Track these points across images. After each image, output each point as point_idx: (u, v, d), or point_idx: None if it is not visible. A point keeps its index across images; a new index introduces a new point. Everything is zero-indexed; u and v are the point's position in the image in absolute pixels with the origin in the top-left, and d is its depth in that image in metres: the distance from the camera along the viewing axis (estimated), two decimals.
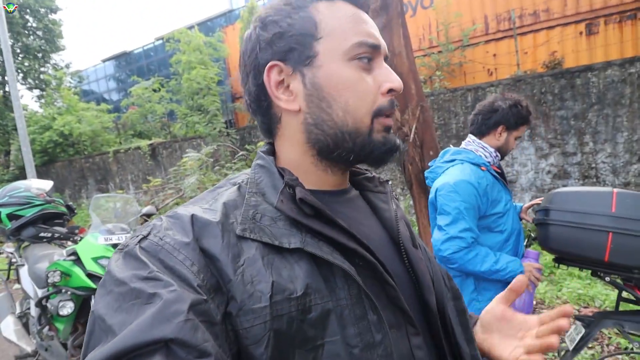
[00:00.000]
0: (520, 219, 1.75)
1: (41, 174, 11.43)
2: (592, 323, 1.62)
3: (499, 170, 1.66)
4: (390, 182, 0.66)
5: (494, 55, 6.73)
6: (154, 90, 11.43)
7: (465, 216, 1.46)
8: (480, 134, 1.65)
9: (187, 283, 0.41)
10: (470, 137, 1.69)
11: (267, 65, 0.52)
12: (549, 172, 4.81)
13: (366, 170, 0.67)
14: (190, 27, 10.22)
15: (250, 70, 0.55)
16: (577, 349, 1.61)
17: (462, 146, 1.70)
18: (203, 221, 0.47)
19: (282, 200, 0.49)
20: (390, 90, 0.53)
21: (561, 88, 4.67)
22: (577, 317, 1.71)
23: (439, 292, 0.59)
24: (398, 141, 0.56)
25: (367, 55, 0.52)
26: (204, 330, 0.38)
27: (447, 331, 0.57)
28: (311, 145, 0.54)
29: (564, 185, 4.72)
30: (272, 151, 0.59)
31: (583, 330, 1.61)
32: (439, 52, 6.89)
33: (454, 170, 1.57)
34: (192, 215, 0.48)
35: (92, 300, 2.25)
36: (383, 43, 0.54)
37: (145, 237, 0.46)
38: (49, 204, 2.72)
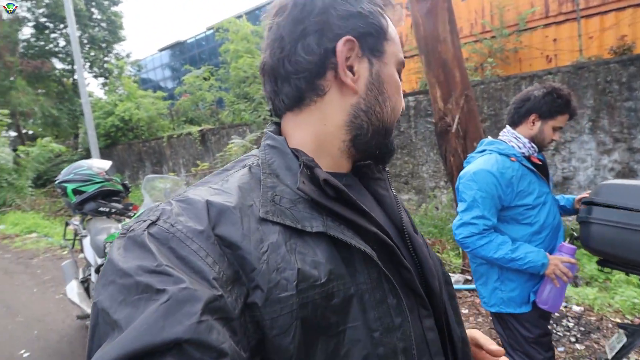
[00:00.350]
0: (576, 211, 1.66)
1: (104, 156, 12.42)
2: (635, 332, 1.52)
3: (539, 161, 1.58)
4: (387, 170, 0.67)
5: (554, 40, 6.23)
6: (205, 79, 11.93)
7: (479, 204, 1.47)
8: (514, 123, 1.61)
9: (201, 276, 0.38)
10: (506, 128, 1.64)
11: (346, 37, 0.51)
12: (611, 169, 4.43)
13: None
14: (239, 16, 10.48)
15: (315, 31, 0.51)
16: (617, 358, 1.52)
17: (499, 137, 1.65)
18: (219, 207, 0.44)
19: (303, 182, 0.47)
20: None
21: (630, 76, 4.25)
22: (621, 325, 1.60)
23: (439, 277, 0.60)
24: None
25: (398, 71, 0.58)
26: (219, 329, 0.36)
27: (445, 315, 0.59)
28: (350, 129, 0.54)
29: None
30: (279, 132, 0.58)
31: (625, 339, 1.52)
32: (492, 37, 6.51)
33: (479, 160, 1.57)
34: (207, 201, 0.44)
35: None
36: None
37: (154, 223, 0.42)
38: (107, 181, 2.97)
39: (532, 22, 6.27)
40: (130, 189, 3.09)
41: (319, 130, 0.54)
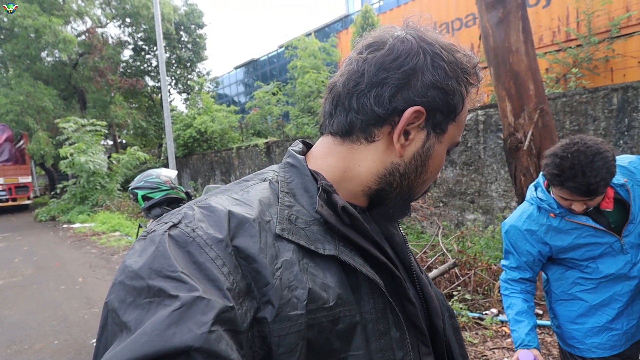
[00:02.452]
0: None
1: (181, 164, 13.59)
2: None
3: (609, 206, 1.31)
4: None
5: None
6: (273, 94, 12.50)
7: (507, 256, 1.51)
8: None
9: (215, 285, 0.38)
10: None
11: (418, 108, 0.50)
12: None
13: None
14: (308, 34, 10.86)
15: (394, 85, 0.50)
16: None
17: None
18: (239, 218, 0.44)
19: (321, 205, 0.48)
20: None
21: None
22: None
23: (444, 317, 0.61)
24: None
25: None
26: (227, 341, 0.36)
27: (449, 352, 0.60)
28: (381, 181, 0.54)
29: None
30: (304, 152, 0.59)
31: None
32: (578, 46, 5.89)
33: (517, 210, 1.50)
34: (229, 212, 0.45)
35: None
36: None
37: (175, 225, 0.43)
38: (172, 189, 3.19)
39: (627, 29, 5.56)
40: (192, 197, 3.29)
41: (352, 168, 0.54)
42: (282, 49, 15.12)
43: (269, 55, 17.61)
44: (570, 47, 5.93)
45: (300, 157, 0.55)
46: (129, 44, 18.59)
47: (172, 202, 3.17)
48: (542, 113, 3.11)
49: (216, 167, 12.28)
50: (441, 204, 6.02)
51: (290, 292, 0.42)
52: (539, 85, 3.14)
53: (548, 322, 2.97)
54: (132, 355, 0.32)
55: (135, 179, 3.23)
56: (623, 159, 1.37)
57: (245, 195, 0.49)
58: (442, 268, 3.59)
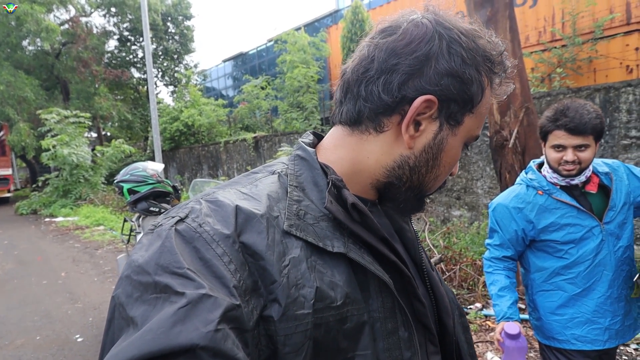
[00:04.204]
0: None
1: (167, 158, 13.41)
2: None
3: (595, 189, 1.39)
4: None
5: (637, 49, 5.58)
6: (262, 88, 12.40)
7: (492, 234, 1.56)
8: None
9: (222, 283, 0.37)
10: None
11: (429, 97, 0.47)
12: None
13: None
14: (298, 29, 10.77)
15: (405, 72, 0.47)
16: None
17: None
18: (247, 213, 0.43)
19: (330, 201, 0.46)
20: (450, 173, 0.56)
21: None
22: None
23: (454, 316, 0.60)
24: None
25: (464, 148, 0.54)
26: (234, 339, 0.35)
27: (458, 351, 0.59)
28: (390, 175, 0.52)
29: None
30: (314, 143, 0.57)
31: None
32: (563, 46, 6.00)
33: (506, 191, 1.56)
34: (237, 206, 0.44)
35: None
36: None
37: (182, 220, 0.42)
38: (159, 183, 3.15)
39: (611, 30, 5.68)
40: (180, 191, 3.25)
41: (361, 160, 0.52)
42: (272, 42, 14.98)
43: (258, 49, 17.43)
44: (555, 47, 6.04)
45: (310, 149, 0.53)
46: (114, 34, 18.15)
47: (159, 196, 3.12)
48: (527, 111, 3.17)
49: (203, 161, 12.15)
50: (428, 201, 6.10)
51: (297, 290, 0.41)
52: (524, 84, 3.20)
53: (526, 316, 3.06)
54: (138, 352, 0.31)
55: (121, 172, 3.16)
56: (607, 160, 1.49)
57: (254, 189, 0.48)
58: None
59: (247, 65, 19.58)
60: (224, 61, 20.08)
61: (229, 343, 0.34)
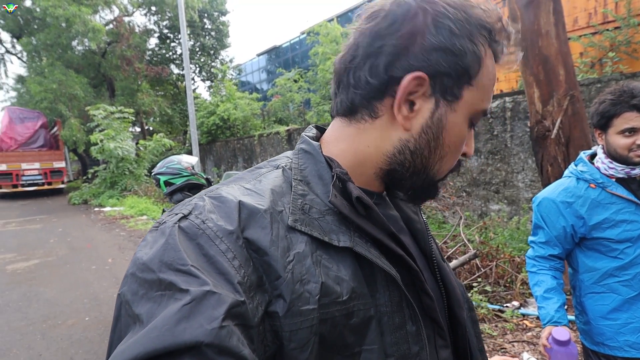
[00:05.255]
0: None
1: (204, 151, 13.86)
2: None
3: None
4: None
5: None
6: (295, 81, 12.47)
7: (537, 231, 1.47)
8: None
9: (226, 279, 0.37)
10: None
11: (417, 73, 0.45)
12: None
13: None
14: (330, 20, 10.68)
15: (390, 53, 0.46)
16: None
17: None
18: (250, 208, 0.43)
19: (335, 195, 0.46)
20: (464, 154, 0.53)
21: None
22: None
23: (464, 308, 0.59)
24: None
25: (473, 124, 0.52)
26: (239, 336, 0.35)
27: (467, 344, 0.58)
28: (391, 161, 0.50)
29: None
30: (318, 137, 0.56)
31: None
32: (616, 28, 5.52)
33: (553, 184, 1.46)
34: (240, 202, 0.43)
35: None
36: None
37: (185, 217, 0.42)
38: (193, 175, 3.26)
39: None
40: (212, 183, 3.35)
41: (362, 150, 0.51)
42: (304, 35, 14.99)
43: (291, 41, 17.50)
44: (607, 30, 5.57)
45: (315, 143, 0.52)
46: (155, 32, 18.91)
47: (193, 188, 3.24)
48: (572, 100, 2.96)
49: (239, 154, 12.45)
50: (464, 194, 5.89)
51: (302, 286, 0.41)
52: (569, 70, 2.99)
53: (572, 317, 2.89)
54: (144, 350, 0.32)
55: (158, 165, 3.31)
56: None
57: (257, 185, 0.48)
58: (462, 259, 3.53)
59: (280, 58, 19.73)
60: (258, 55, 20.36)
61: (234, 340, 0.34)
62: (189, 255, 0.38)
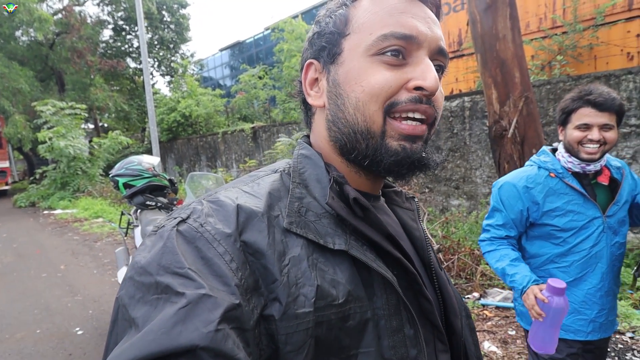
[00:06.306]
0: None
1: (165, 149, 13.33)
2: None
3: (607, 181, 1.38)
4: (416, 199, 0.65)
5: (638, 35, 5.50)
6: (259, 78, 12.28)
7: (497, 214, 1.50)
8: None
9: (223, 282, 0.38)
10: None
11: (305, 63, 0.54)
12: None
13: (394, 183, 0.65)
14: (295, 16, 10.61)
15: (303, 58, 0.56)
16: None
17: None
18: (248, 212, 0.44)
19: (332, 197, 0.46)
20: (418, 89, 0.47)
21: None
22: None
23: (461, 314, 0.59)
24: (425, 155, 0.48)
25: (394, 48, 0.47)
26: (234, 339, 0.35)
27: (465, 352, 0.58)
28: (333, 143, 0.52)
29: None
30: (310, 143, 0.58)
31: None
32: (564, 33, 5.91)
33: (515, 171, 1.53)
34: (238, 205, 0.44)
35: None
36: (428, 33, 0.48)
37: (184, 220, 0.42)
38: (155, 177, 3.11)
39: (612, 16, 5.59)
40: (176, 185, 3.22)
41: (322, 148, 0.54)
42: (269, 31, 14.78)
43: (255, 37, 17.20)
44: (556, 34, 5.95)
45: (315, 150, 0.54)
46: (109, 23, 17.88)
47: (155, 190, 3.10)
48: (527, 101, 3.13)
49: (202, 152, 12.09)
50: (427, 190, 6.09)
51: (298, 289, 0.41)
52: (524, 72, 3.15)
53: (510, 305, 3.08)
54: (139, 353, 0.32)
55: (116, 166, 3.13)
56: (613, 158, 1.50)
57: (256, 188, 0.49)
58: None
59: (244, 54, 19.37)
60: (221, 50, 19.84)
61: (229, 343, 0.34)
62: (186, 258, 0.38)
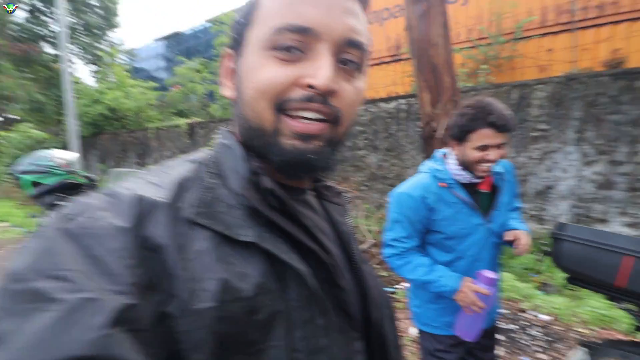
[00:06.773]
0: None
1: (87, 144, 12.17)
2: (597, 351, 1.48)
3: (489, 189, 1.44)
4: (346, 195, 0.65)
5: (549, 50, 6.17)
6: (197, 71, 11.73)
7: (398, 226, 1.46)
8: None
9: (114, 281, 0.34)
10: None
11: (223, 52, 0.54)
12: (592, 180, 4.37)
13: (324, 177, 0.64)
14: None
15: None
16: None
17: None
18: (149, 203, 0.40)
19: (247, 188, 0.45)
20: (311, 86, 0.44)
21: (619, 90, 4.18)
22: (583, 343, 1.56)
23: (381, 307, 0.60)
24: (315, 157, 0.46)
25: (287, 45, 0.44)
26: (128, 342, 0.32)
27: (382, 341, 0.59)
28: (242, 135, 0.51)
29: (607, 197, 4.27)
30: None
31: (588, 359, 1.47)
32: (488, 44, 6.43)
33: (410, 180, 1.49)
34: (137, 196, 0.40)
35: None
36: (330, 24, 0.44)
37: (72, 218, 0.38)
38: (69, 174, 2.78)
39: (529, 31, 6.21)
40: (95, 182, 2.91)
41: (242, 142, 0.52)
42: (209, 23, 14.23)
43: (195, 29, 16.42)
44: (482, 45, 6.46)
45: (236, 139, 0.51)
46: (22, 2, 15.86)
47: (69, 188, 2.77)
48: (455, 105, 3.32)
49: (131, 148, 11.23)
50: (364, 188, 6.26)
51: (200, 284, 0.38)
52: (453, 78, 3.35)
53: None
54: None
55: (21, 162, 2.75)
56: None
57: (164, 177, 0.45)
58: (361, 248, 3.74)
59: (182, 46, 18.48)
60: (156, 40, 18.66)
61: (123, 347, 0.31)
62: (69, 258, 0.34)
